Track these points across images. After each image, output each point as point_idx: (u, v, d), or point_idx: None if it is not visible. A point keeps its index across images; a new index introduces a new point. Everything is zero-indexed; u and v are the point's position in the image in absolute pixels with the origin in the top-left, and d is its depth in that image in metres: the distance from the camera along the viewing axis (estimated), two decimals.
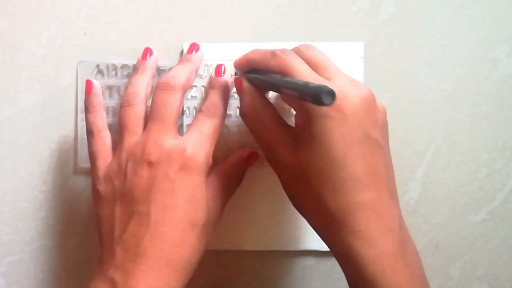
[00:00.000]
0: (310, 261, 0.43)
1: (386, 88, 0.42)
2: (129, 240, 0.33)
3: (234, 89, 0.41)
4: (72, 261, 0.43)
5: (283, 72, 0.34)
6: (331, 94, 0.28)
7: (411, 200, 0.43)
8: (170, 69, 0.41)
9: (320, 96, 0.28)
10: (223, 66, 0.39)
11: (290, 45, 0.42)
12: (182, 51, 0.42)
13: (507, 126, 0.42)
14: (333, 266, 0.43)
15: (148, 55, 0.40)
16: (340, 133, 0.31)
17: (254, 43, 0.41)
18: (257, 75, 0.36)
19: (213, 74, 0.39)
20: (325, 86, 0.28)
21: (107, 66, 0.42)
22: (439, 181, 0.43)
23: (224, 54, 0.41)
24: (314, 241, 0.42)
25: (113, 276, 0.32)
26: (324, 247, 0.42)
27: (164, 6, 0.42)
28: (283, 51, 0.35)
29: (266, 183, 0.42)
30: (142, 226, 0.33)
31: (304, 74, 0.33)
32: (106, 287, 0.32)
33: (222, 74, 0.38)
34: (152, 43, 0.42)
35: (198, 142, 0.35)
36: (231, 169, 0.39)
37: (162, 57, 0.42)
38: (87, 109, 0.39)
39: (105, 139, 0.38)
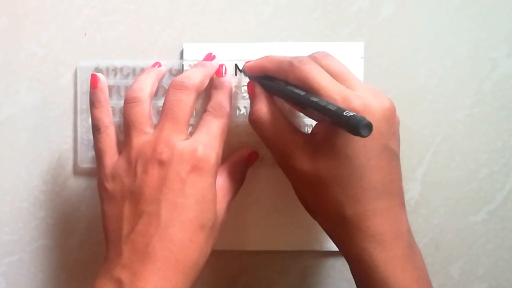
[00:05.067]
0: (310, 261, 0.43)
1: (386, 88, 0.42)
2: (137, 239, 0.33)
3: (234, 89, 0.41)
4: (72, 261, 0.43)
5: (303, 84, 0.34)
6: (369, 127, 0.28)
7: (411, 200, 0.43)
8: (170, 69, 0.41)
9: (358, 128, 0.28)
10: (223, 66, 0.39)
11: (290, 45, 0.42)
12: (182, 51, 0.42)
13: (507, 126, 0.42)
14: (333, 266, 0.43)
15: (156, 66, 0.40)
16: (363, 144, 0.32)
17: (254, 43, 0.42)
18: (277, 86, 0.36)
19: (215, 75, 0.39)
20: (363, 118, 0.28)
21: (107, 66, 0.42)
22: (439, 181, 0.43)
23: (224, 54, 0.41)
24: (314, 241, 0.42)
25: (119, 275, 0.32)
26: (324, 247, 0.42)
27: (164, 6, 0.42)
28: (300, 60, 0.34)
29: (266, 183, 0.42)
30: (151, 226, 0.33)
31: (327, 85, 0.33)
32: (112, 287, 0.32)
33: (224, 74, 0.38)
34: (152, 43, 0.42)
35: (209, 143, 0.35)
36: (234, 169, 0.39)
37: (162, 57, 0.42)
38: (93, 104, 0.38)
39: (112, 135, 0.37)
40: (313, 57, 0.35)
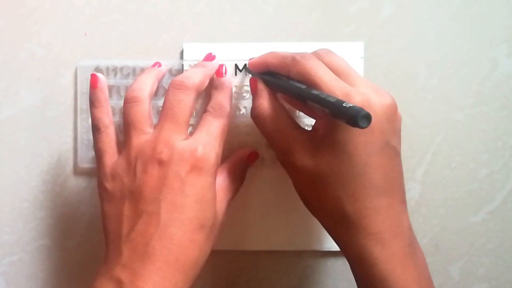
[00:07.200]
0: (310, 261, 0.43)
1: (386, 88, 0.41)
2: (137, 239, 0.33)
3: (234, 89, 0.41)
4: (72, 261, 0.43)
5: (305, 80, 0.34)
6: (367, 117, 0.28)
7: (411, 200, 0.43)
8: (170, 69, 0.41)
9: (357, 119, 0.28)
10: (224, 66, 0.39)
11: (290, 45, 0.42)
12: (182, 51, 0.42)
13: (507, 126, 0.42)
14: (333, 266, 0.43)
15: (156, 66, 0.40)
16: (364, 141, 0.32)
17: (254, 43, 0.42)
18: (278, 81, 0.36)
19: (215, 75, 0.39)
20: (362, 109, 0.28)
21: (107, 66, 0.42)
22: (439, 181, 0.43)
23: (224, 54, 0.41)
24: (314, 241, 0.42)
25: (119, 275, 0.32)
26: (324, 247, 0.42)
27: (164, 6, 0.43)
28: (304, 56, 0.35)
29: (266, 183, 0.42)
30: (151, 225, 0.33)
31: (328, 81, 0.33)
32: (112, 287, 0.32)
33: (224, 74, 0.38)
34: (152, 43, 0.42)
35: (209, 143, 0.35)
36: (233, 169, 0.39)
37: (162, 57, 0.42)
38: (92, 104, 0.38)
39: (111, 135, 0.37)
40: (316, 54, 0.35)
